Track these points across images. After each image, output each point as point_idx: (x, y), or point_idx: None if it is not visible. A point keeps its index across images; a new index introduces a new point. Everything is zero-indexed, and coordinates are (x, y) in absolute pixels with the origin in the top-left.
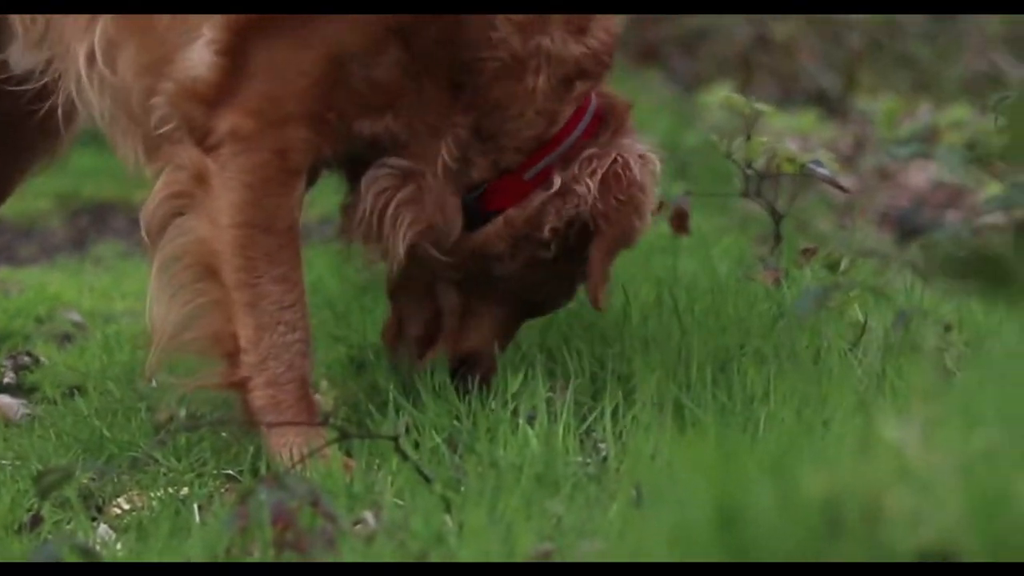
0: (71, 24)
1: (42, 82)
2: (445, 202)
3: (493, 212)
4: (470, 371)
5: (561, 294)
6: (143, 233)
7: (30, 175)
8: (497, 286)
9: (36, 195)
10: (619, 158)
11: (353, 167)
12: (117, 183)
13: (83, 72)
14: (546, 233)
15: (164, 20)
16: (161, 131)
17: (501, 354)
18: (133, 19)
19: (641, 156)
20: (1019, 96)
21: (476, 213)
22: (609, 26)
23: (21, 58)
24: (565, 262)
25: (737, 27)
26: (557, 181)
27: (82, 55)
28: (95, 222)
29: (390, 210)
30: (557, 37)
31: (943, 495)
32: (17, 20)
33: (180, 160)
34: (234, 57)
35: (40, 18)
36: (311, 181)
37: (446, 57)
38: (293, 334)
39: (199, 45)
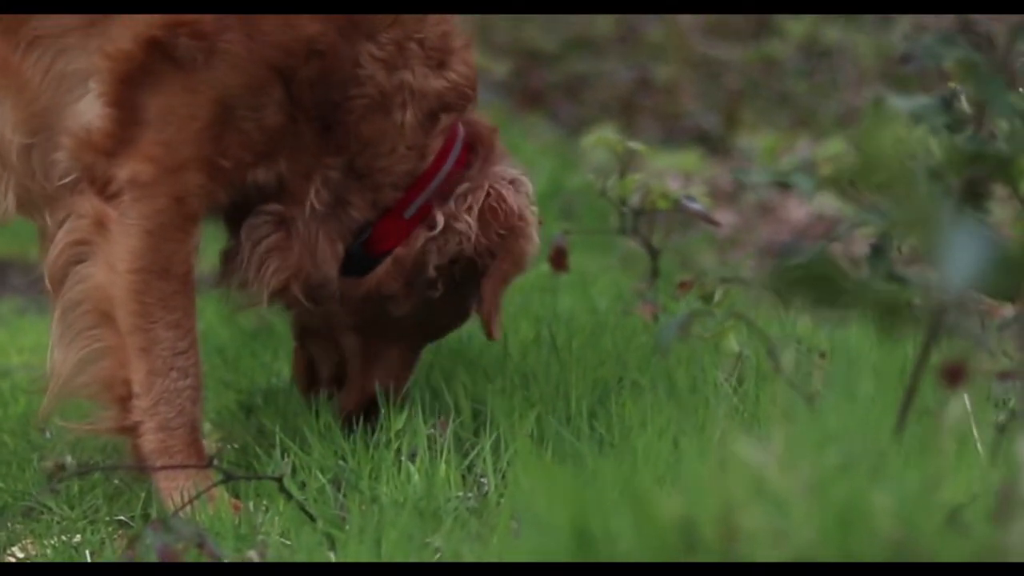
0: None
1: None
2: (315, 247)
3: (381, 254)
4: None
5: (457, 320)
6: (46, 281)
7: None
8: (395, 326)
9: None
10: (491, 191)
11: (234, 214)
12: (14, 241)
13: None
14: (431, 272)
15: (38, 76)
16: (61, 182)
17: (405, 387)
18: (7, 76)
19: (512, 181)
20: (868, 122)
21: (363, 257)
22: (468, 59)
23: None
24: (455, 294)
25: (619, 71)
26: (440, 220)
27: None
28: None
29: (256, 257)
30: (419, 72)
31: (798, 512)
32: None
33: (81, 209)
34: (125, 107)
35: None
36: None
37: (318, 98)
38: (185, 380)
39: (89, 98)
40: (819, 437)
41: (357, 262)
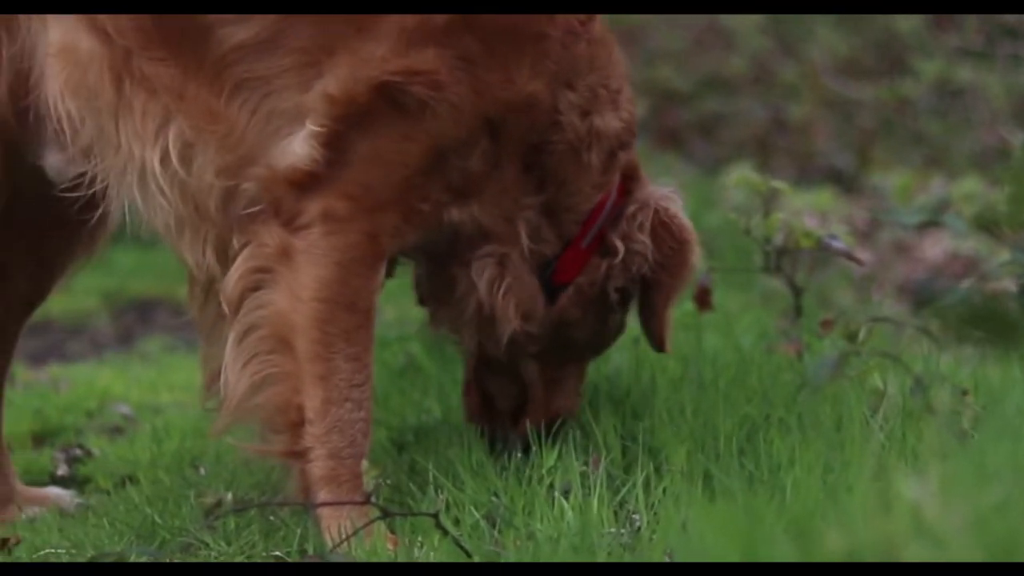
0: (135, 130)
1: (89, 190)
2: (527, 281)
3: (563, 285)
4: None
5: (619, 333)
6: (223, 304)
7: (68, 274)
8: (573, 349)
9: (83, 294)
10: (659, 207)
11: (437, 257)
12: (160, 280)
13: (157, 174)
14: (612, 295)
15: (244, 119)
16: (246, 212)
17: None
18: (211, 121)
19: (669, 197)
20: (1017, 162)
21: (548, 288)
22: (630, 96)
23: (64, 167)
24: (624, 311)
25: (754, 111)
26: (620, 246)
27: (154, 159)
28: (140, 318)
29: (499, 299)
30: (606, 116)
31: (958, 548)
32: (57, 130)
33: (264, 238)
34: (336, 147)
35: (87, 128)
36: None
37: (522, 143)
38: (358, 412)
39: (299, 136)
40: (976, 474)
41: (545, 293)
